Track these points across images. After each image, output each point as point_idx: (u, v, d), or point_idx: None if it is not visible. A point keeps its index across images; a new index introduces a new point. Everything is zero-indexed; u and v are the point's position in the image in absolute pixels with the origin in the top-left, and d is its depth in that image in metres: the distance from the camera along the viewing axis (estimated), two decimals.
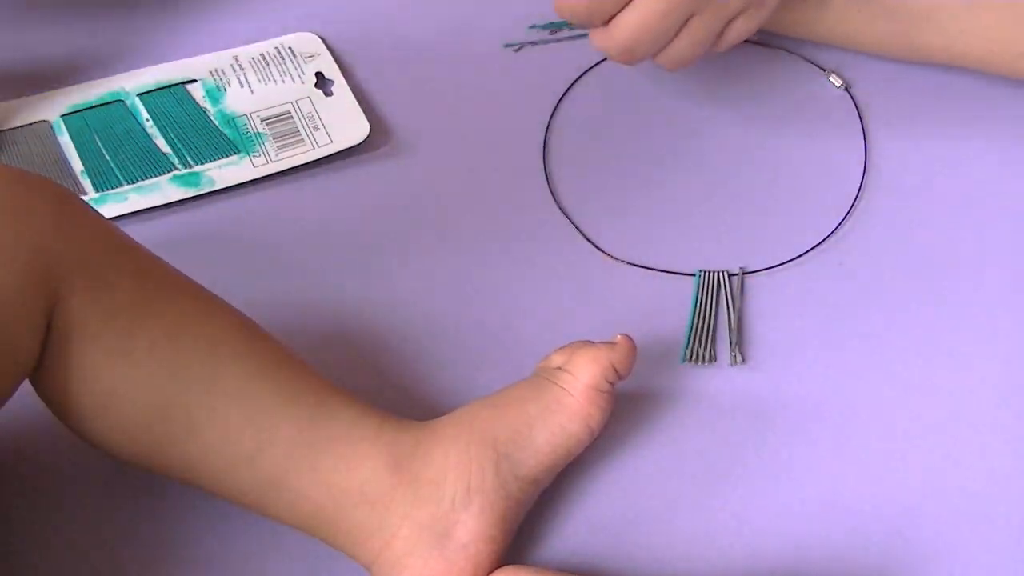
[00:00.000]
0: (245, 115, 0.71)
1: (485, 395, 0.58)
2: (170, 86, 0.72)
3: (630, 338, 0.57)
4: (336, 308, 0.65)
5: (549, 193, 0.69)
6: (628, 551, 0.57)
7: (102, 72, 0.73)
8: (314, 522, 0.54)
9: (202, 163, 0.69)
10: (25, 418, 0.56)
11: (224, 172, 0.69)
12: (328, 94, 0.72)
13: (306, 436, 0.53)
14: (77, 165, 0.68)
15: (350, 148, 0.70)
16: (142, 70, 0.73)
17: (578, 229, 0.68)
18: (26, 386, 0.52)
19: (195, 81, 0.73)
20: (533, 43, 0.76)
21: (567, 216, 0.68)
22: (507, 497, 0.54)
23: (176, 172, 0.68)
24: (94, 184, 0.67)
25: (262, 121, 0.71)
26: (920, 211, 0.68)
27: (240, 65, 0.73)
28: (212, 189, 0.68)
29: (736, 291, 0.65)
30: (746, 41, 0.75)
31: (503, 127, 0.72)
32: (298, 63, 0.73)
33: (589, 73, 0.74)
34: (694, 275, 0.66)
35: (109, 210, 0.66)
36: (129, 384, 0.52)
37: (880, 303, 0.65)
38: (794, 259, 0.67)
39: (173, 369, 0.52)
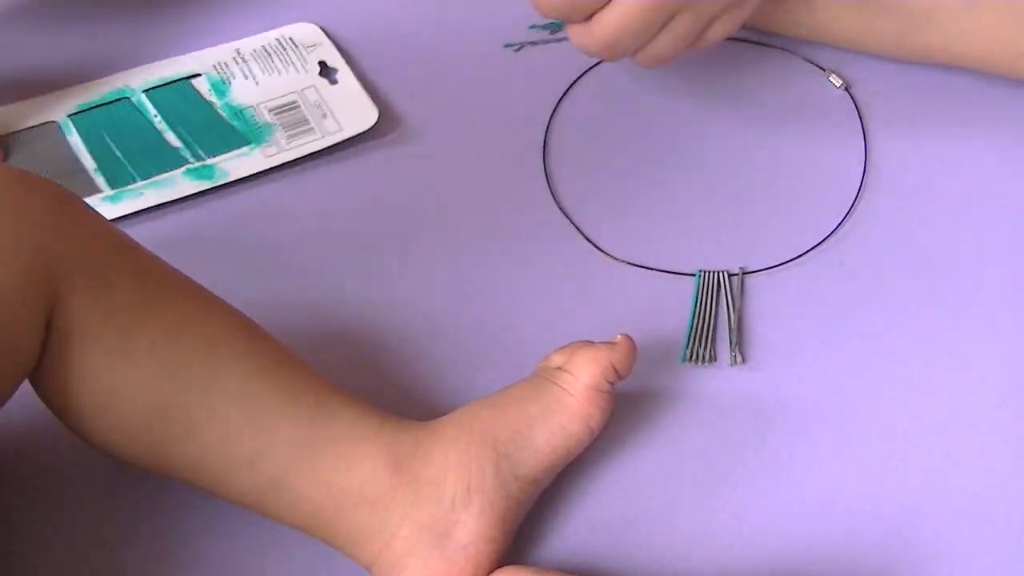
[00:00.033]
0: (252, 106, 0.71)
1: (485, 395, 0.58)
2: (174, 81, 0.72)
3: (630, 338, 0.57)
4: (336, 308, 0.65)
5: (549, 193, 0.69)
6: (628, 551, 0.57)
7: (103, 72, 0.73)
8: (314, 522, 0.54)
9: (214, 156, 0.69)
10: (25, 418, 0.56)
11: (237, 163, 0.69)
12: (333, 82, 0.73)
13: (306, 436, 0.53)
14: (89, 163, 0.68)
15: (358, 136, 0.70)
16: (144, 67, 0.73)
17: (578, 229, 0.68)
18: (26, 386, 0.52)
19: (199, 75, 0.73)
20: (533, 43, 0.76)
21: (567, 216, 0.68)
22: (507, 497, 0.54)
23: (189, 165, 0.68)
24: (108, 181, 0.67)
25: (270, 111, 0.71)
26: (920, 211, 0.68)
27: (243, 58, 0.73)
28: (226, 181, 0.68)
29: (736, 291, 0.65)
30: (746, 41, 0.75)
31: (503, 127, 0.72)
32: (300, 53, 0.73)
33: (589, 73, 0.74)
34: (694, 275, 0.66)
35: (125, 207, 0.66)
36: (129, 384, 0.52)
37: (880, 303, 0.65)
38: (794, 259, 0.67)
39: (173, 369, 0.52)
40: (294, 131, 0.70)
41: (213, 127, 0.70)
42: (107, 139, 0.69)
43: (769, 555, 0.57)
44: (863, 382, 0.62)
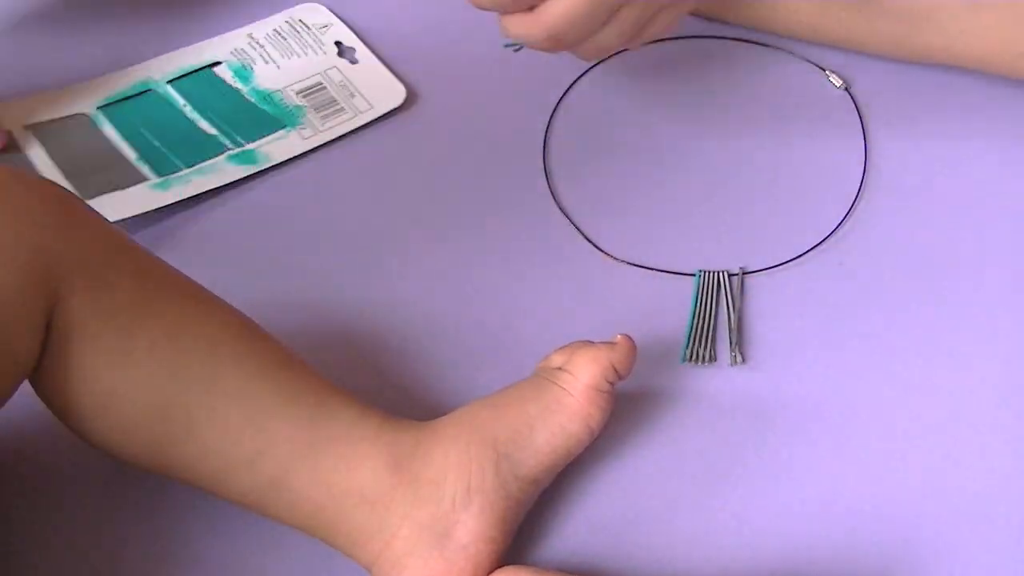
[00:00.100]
0: (279, 90, 0.71)
1: (485, 395, 0.58)
2: (197, 71, 0.72)
3: (630, 338, 0.57)
4: (336, 308, 0.65)
5: (549, 193, 0.69)
6: (628, 551, 0.57)
7: (119, 64, 0.73)
8: (314, 522, 0.54)
9: (252, 141, 0.69)
10: (25, 418, 0.56)
11: (276, 147, 0.69)
12: (353, 62, 0.73)
13: (306, 436, 0.53)
14: (130, 153, 0.68)
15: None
16: (162, 58, 0.73)
17: (578, 229, 0.68)
18: (26, 386, 0.52)
19: (220, 63, 0.72)
20: None
21: (567, 216, 0.68)
22: (507, 497, 0.54)
23: (230, 152, 0.68)
24: (154, 169, 0.67)
25: (297, 94, 0.71)
26: (920, 211, 0.68)
27: (258, 42, 0.73)
28: (269, 165, 0.68)
29: (736, 291, 0.65)
30: (746, 41, 0.75)
31: (503, 127, 0.72)
32: (314, 34, 0.73)
33: (589, 73, 0.74)
34: (694, 275, 0.66)
35: (174, 193, 0.66)
36: (129, 384, 0.52)
37: (880, 303, 0.65)
38: (794, 259, 0.67)
39: (173, 369, 0.52)
40: (325, 112, 0.70)
41: (245, 113, 0.70)
42: (142, 130, 0.69)
43: (769, 555, 0.57)
44: (863, 382, 0.62)
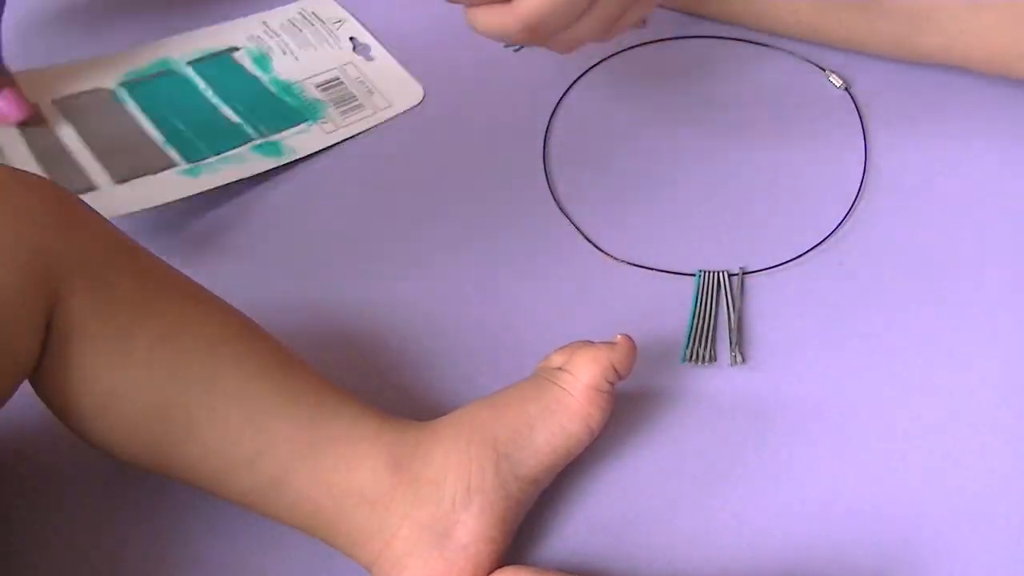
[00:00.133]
0: (299, 82, 0.71)
1: (485, 395, 0.58)
2: (216, 54, 0.72)
3: (630, 338, 0.57)
4: (336, 308, 0.65)
5: (549, 193, 0.69)
6: (628, 551, 0.57)
7: (133, 42, 0.73)
8: (314, 522, 0.54)
9: (276, 132, 0.68)
10: (25, 418, 0.56)
11: (299, 140, 0.68)
12: (369, 59, 0.73)
13: (306, 436, 0.53)
14: (156, 136, 0.67)
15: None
16: (178, 37, 0.72)
17: (578, 229, 0.68)
18: (26, 386, 0.52)
19: (238, 49, 0.72)
20: None
21: (567, 216, 0.68)
22: (507, 497, 0.54)
23: (255, 142, 0.68)
24: (182, 155, 0.66)
25: (316, 87, 0.70)
26: (920, 211, 0.68)
27: (274, 31, 0.73)
28: (294, 158, 0.68)
29: (736, 291, 0.65)
30: (746, 41, 0.75)
31: (503, 127, 0.72)
32: (329, 29, 0.73)
33: (589, 73, 0.74)
34: (694, 275, 0.66)
35: (204, 182, 0.65)
36: (129, 384, 0.52)
37: (880, 303, 0.65)
38: (794, 259, 0.67)
39: (173, 369, 0.52)
40: (345, 107, 0.69)
41: (266, 103, 0.69)
42: (166, 111, 0.68)
43: (769, 555, 0.57)
44: (863, 382, 0.62)
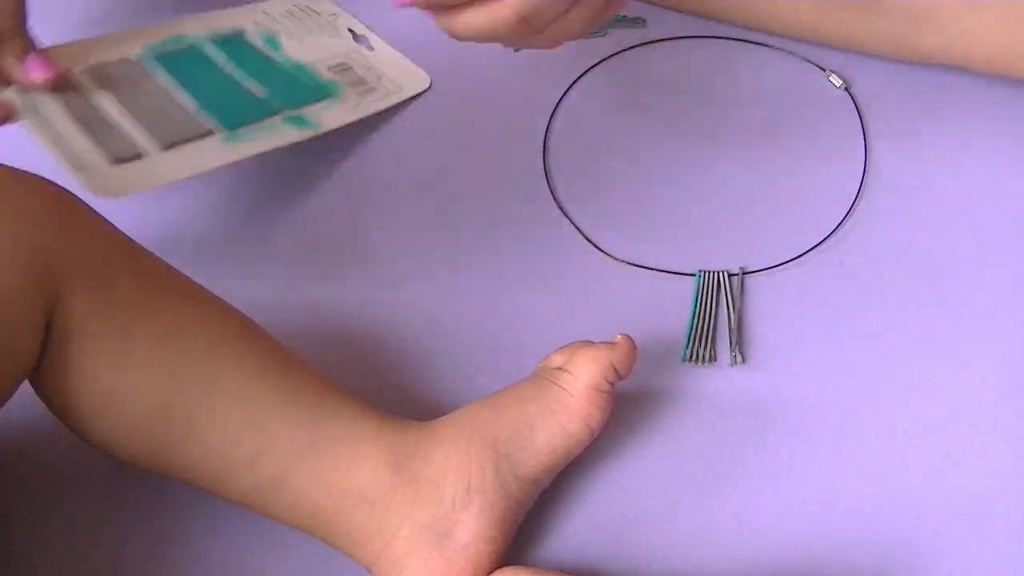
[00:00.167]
0: (310, 63, 0.70)
1: (485, 395, 0.58)
2: (227, 34, 0.71)
3: (630, 338, 0.57)
4: (336, 308, 0.65)
5: (549, 193, 0.69)
6: (628, 551, 0.57)
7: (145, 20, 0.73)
8: (314, 522, 0.54)
9: (302, 106, 0.68)
10: (25, 418, 0.56)
11: (326, 115, 0.68)
12: (370, 49, 0.73)
13: (306, 436, 0.53)
14: (190, 104, 0.66)
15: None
16: (191, 17, 0.72)
17: (578, 229, 0.68)
18: (26, 386, 0.52)
19: (246, 32, 0.71)
20: None
21: (567, 216, 0.68)
22: (507, 497, 0.54)
23: (286, 113, 0.67)
24: (220, 122, 0.65)
25: (328, 69, 0.70)
26: (920, 211, 0.68)
27: (276, 19, 0.72)
28: (324, 131, 0.67)
29: (736, 291, 0.65)
30: (746, 41, 0.75)
31: (503, 127, 0.72)
32: (327, 20, 0.73)
33: (589, 73, 0.74)
34: (694, 275, 0.66)
35: (244, 149, 0.64)
36: (129, 384, 0.52)
37: (880, 303, 0.65)
38: (794, 259, 0.67)
39: (173, 369, 0.52)
40: (360, 88, 0.69)
41: (287, 79, 0.69)
42: (195, 82, 0.67)
43: (769, 555, 0.57)
44: (863, 382, 0.62)
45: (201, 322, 0.54)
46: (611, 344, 0.57)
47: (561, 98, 0.73)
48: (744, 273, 0.66)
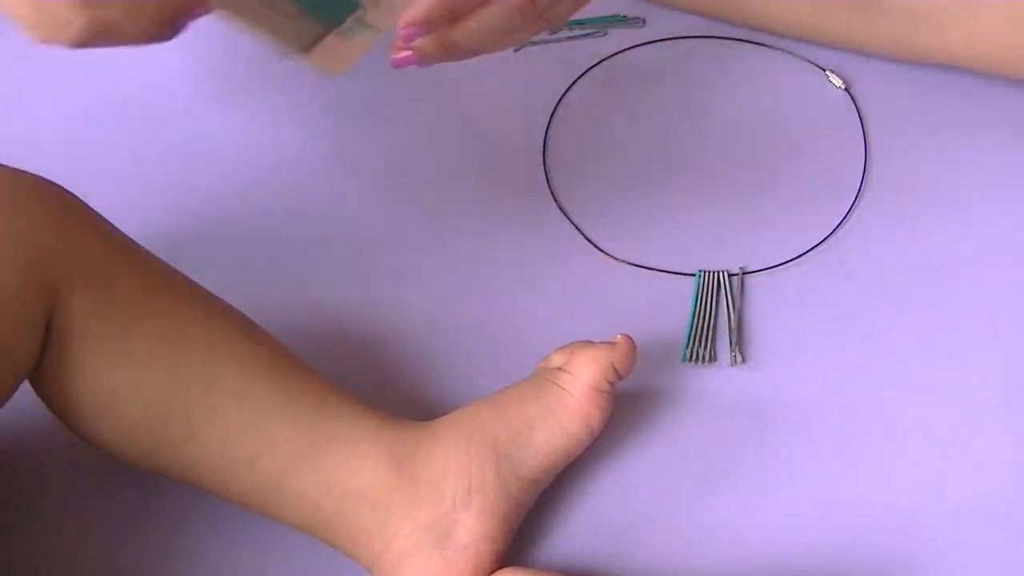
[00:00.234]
0: None
1: (485, 395, 0.58)
2: None
3: (630, 338, 0.57)
4: (336, 308, 0.65)
5: (549, 193, 0.69)
6: (628, 551, 0.57)
7: None
8: (314, 522, 0.54)
9: (346, 15, 0.64)
10: (25, 418, 0.56)
11: (371, 18, 0.64)
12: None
13: (306, 436, 0.53)
14: (289, 6, 0.63)
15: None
16: None
17: (578, 229, 0.68)
18: (26, 386, 0.52)
19: None
20: (533, 43, 0.76)
21: (567, 216, 0.68)
22: (507, 497, 0.54)
23: (355, 15, 0.64)
24: (330, 20, 0.60)
25: None
26: (920, 211, 0.68)
27: None
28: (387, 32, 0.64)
29: (736, 291, 0.65)
30: (746, 41, 0.75)
31: (503, 127, 0.72)
32: None
33: (589, 73, 0.74)
34: (694, 275, 0.66)
35: (361, 43, 0.61)
36: (129, 384, 0.52)
37: (880, 303, 0.65)
38: (794, 259, 0.67)
39: (173, 369, 0.52)
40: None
41: None
42: None
43: (769, 555, 0.57)
44: (863, 382, 0.62)
45: (201, 322, 0.54)
46: (611, 344, 0.57)
47: (561, 98, 0.73)
48: (744, 273, 0.66)
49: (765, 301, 0.65)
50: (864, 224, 0.68)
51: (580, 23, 0.75)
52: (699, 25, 0.76)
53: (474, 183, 0.70)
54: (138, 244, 0.55)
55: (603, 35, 0.76)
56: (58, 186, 0.53)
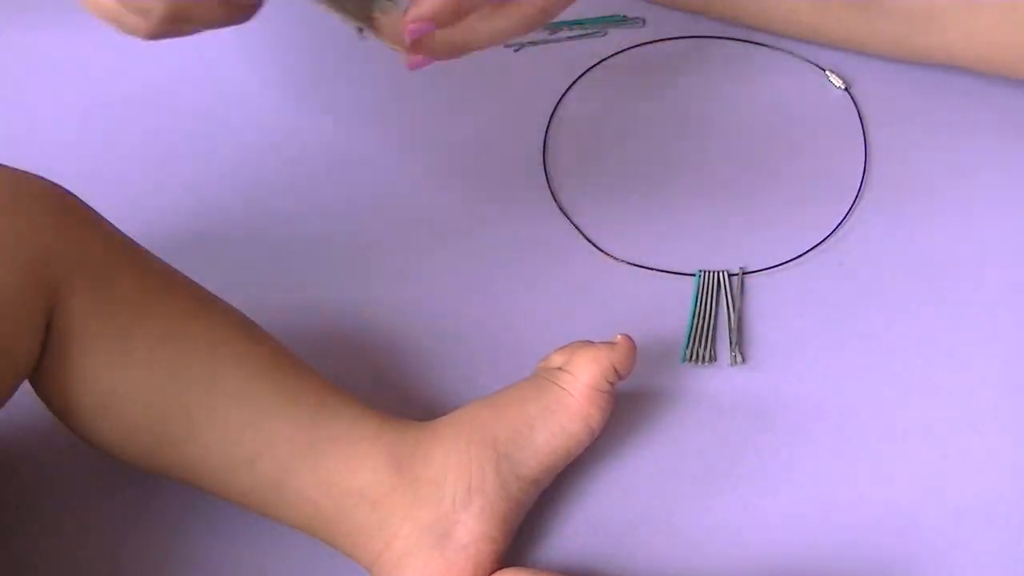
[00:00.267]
0: None
1: (485, 395, 0.58)
2: None
3: (630, 338, 0.57)
4: (336, 308, 0.65)
5: (549, 193, 0.69)
6: (628, 551, 0.57)
7: None
8: (314, 522, 0.54)
9: None
10: (25, 418, 0.56)
11: None
12: None
13: (306, 436, 0.53)
14: None
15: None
16: None
17: (578, 229, 0.68)
18: (26, 386, 0.52)
19: None
20: (533, 43, 0.76)
21: (567, 216, 0.68)
22: (507, 498, 0.54)
23: None
24: None
25: None
26: (920, 211, 0.68)
27: None
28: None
29: (736, 291, 0.65)
30: (746, 41, 0.75)
31: (503, 127, 0.72)
32: None
33: (589, 73, 0.74)
34: (694, 275, 0.66)
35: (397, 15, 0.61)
36: (129, 384, 0.52)
37: (880, 303, 0.65)
38: (794, 259, 0.67)
39: (173, 369, 0.52)
40: None
41: None
42: None
43: (769, 555, 0.57)
44: (863, 382, 0.62)
45: (201, 322, 0.54)
46: (611, 344, 0.57)
47: (561, 98, 0.73)
48: (744, 273, 0.66)
49: (765, 301, 0.65)
50: (864, 224, 0.68)
51: (580, 23, 0.75)
52: (699, 25, 0.76)
53: (474, 183, 0.70)
54: (138, 244, 0.55)
55: (603, 35, 0.76)
56: (58, 186, 0.53)
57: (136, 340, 0.52)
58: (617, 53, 0.75)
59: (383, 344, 0.63)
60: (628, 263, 0.66)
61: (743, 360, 0.63)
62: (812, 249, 0.67)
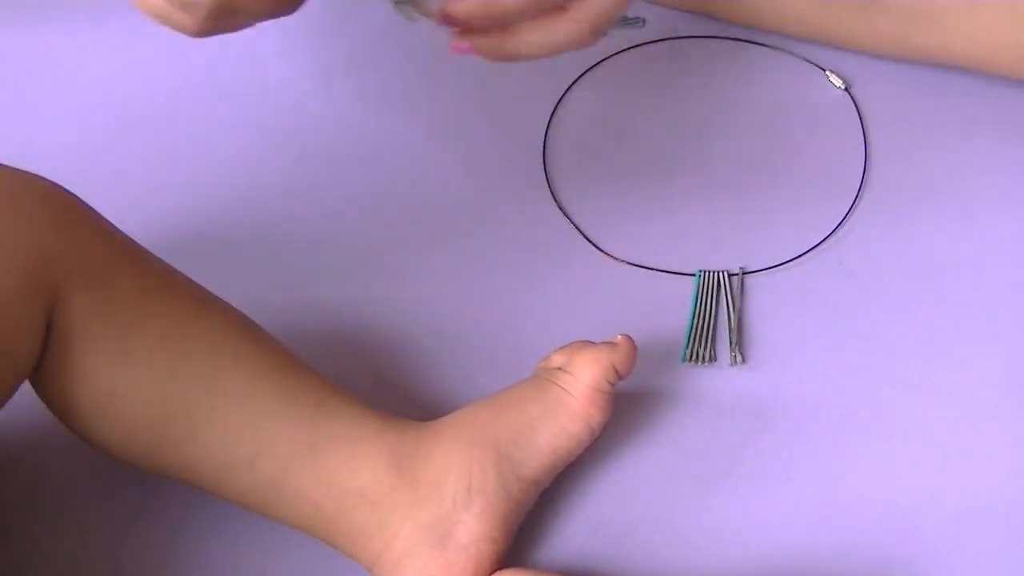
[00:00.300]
0: None
1: (486, 395, 0.58)
2: None
3: (630, 338, 0.57)
4: (336, 308, 0.65)
5: (549, 193, 0.69)
6: (628, 551, 0.57)
7: None
8: (314, 523, 0.54)
9: None
10: (25, 418, 0.56)
11: None
12: None
13: (306, 437, 0.53)
14: None
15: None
16: None
17: (578, 229, 0.68)
18: (26, 386, 0.52)
19: None
20: None
21: (567, 216, 0.68)
22: (508, 498, 0.54)
23: None
24: None
25: None
26: (920, 211, 0.68)
27: None
28: None
29: (736, 291, 0.65)
30: (746, 41, 0.75)
31: (503, 127, 0.72)
32: None
33: (589, 73, 0.74)
34: (694, 275, 0.66)
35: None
36: (129, 384, 0.52)
37: (880, 303, 0.65)
38: (794, 259, 0.67)
39: (173, 369, 0.52)
40: None
41: None
42: None
43: (769, 555, 0.57)
44: (863, 382, 0.62)
45: (201, 322, 0.54)
46: (611, 344, 0.57)
47: (561, 98, 0.73)
48: (744, 273, 0.66)
49: (765, 301, 0.65)
50: (864, 224, 0.68)
51: None
52: (699, 25, 0.76)
53: (474, 183, 0.70)
54: (138, 244, 0.55)
55: (603, 35, 0.75)
56: (58, 186, 0.53)
57: (136, 340, 0.52)
58: (617, 53, 0.75)
59: (383, 344, 0.63)
60: (628, 263, 0.66)
61: (743, 360, 0.63)
62: (812, 249, 0.67)
